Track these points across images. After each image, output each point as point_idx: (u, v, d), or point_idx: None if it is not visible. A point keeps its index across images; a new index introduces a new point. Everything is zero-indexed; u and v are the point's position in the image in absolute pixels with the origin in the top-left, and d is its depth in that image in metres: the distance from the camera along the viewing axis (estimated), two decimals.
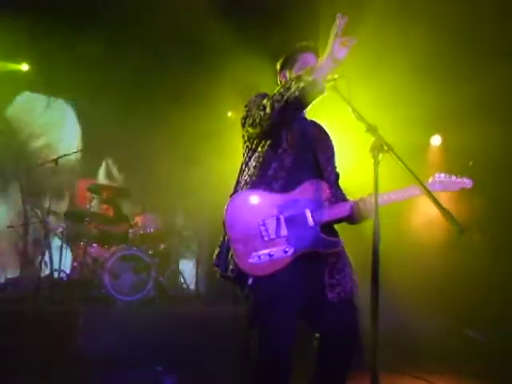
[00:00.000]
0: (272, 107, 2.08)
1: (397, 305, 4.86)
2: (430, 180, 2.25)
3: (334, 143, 2.47)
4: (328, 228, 2.17)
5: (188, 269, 6.82)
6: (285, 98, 2.05)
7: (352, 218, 2.17)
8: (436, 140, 6.16)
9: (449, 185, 2.23)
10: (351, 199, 2.28)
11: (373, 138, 1.93)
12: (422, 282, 5.31)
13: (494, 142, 4.94)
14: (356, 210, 2.14)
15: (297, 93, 2.02)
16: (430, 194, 1.79)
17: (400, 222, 5.45)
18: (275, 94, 2.11)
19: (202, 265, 6.65)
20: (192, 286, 6.52)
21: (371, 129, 1.96)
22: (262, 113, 2.12)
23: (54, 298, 4.88)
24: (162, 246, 5.86)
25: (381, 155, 1.91)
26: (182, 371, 3.75)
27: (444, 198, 2.01)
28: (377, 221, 1.86)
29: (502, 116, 5.07)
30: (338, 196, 2.34)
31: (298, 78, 2.06)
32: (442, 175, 2.24)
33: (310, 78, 2.01)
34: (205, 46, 5.14)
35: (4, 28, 5.02)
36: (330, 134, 2.49)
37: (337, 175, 2.43)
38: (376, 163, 1.90)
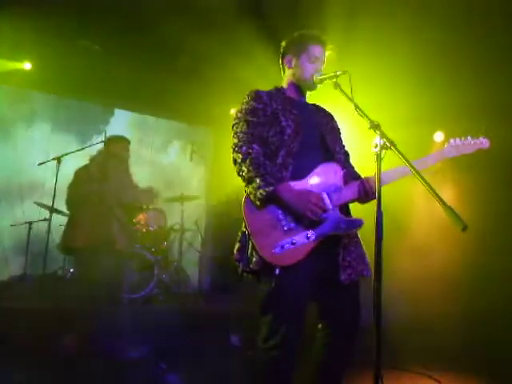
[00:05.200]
0: (242, 176, 2.13)
1: (402, 302, 4.86)
2: (446, 146, 2.25)
3: (338, 124, 2.47)
4: (345, 208, 2.19)
5: (191, 266, 6.83)
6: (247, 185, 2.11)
7: (359, 198, 2.17)
8: (439, 136, 6.14)
9: (464, 148, 2.23)
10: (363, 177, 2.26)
11: (376, 135, 1.94)
12: (426, 279, 5.30)
13: (498, 139, 4.91)
14: (362, 189, 2.14)
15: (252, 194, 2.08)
16: (432, 190, 1.79)
17: (402, 218, 5.44)
18: (239, 168, 2.13)
19: (205, 262, 6.66)
20: (195, 284, 6.53)
21: (374, 125, 1.96)
22: (238, 169, 2.15)
23: (57, 295, 4.89)
24: (164, 244, 5.87)
25: (384, 152, 1.91)
26: (186, 369, 3.76)
27: (446, 195, 2.01)
28: (380, 217, 1.86)
29: (506, 113, 5.04)
30: (351, 175, 2.33)
31: (255, 185, 2.06)
32: (457, 140, 2.23)
33: (259, 196, 2.04)
34: (208, 43, 5.13)
35: (5, 26, 5.02)
36: (333, 115, 2.49)
37: (346, 154, 2.44)
38: (379, 160, 1.91)
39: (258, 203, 2.05)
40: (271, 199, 2.04)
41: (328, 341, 2.17)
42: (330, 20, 4.43)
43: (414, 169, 1.82)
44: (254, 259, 2.06)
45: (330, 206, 2.09)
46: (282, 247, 2.02)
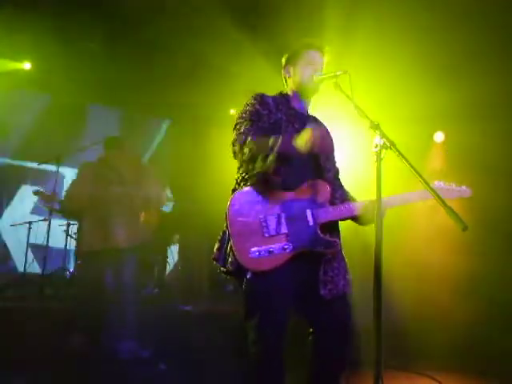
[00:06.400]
0: (245, 160, 2.11)
1: (402, 302, 4.86)
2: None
3: (333, 140, 2.47)
4: (328, 228, 2.17)
5: (190, 266, 6.82)
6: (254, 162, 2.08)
7: (361, 219, 2.18)
8: (439, 137, 6.14)
9: (447, 193, 2.22)
10: (357, 198, 2.28)
11: (375, 135, 1.93)
12: (426, 280, 5.31)
13: (497, 139, 4.91)
14: (348, 215, 2.16)
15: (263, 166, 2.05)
16: (433, 191, 1.79)
17: (402, 220, 5.43)
18: (245, 149, 2.09)
19: (205, 262, 6.65)
20: (195, 284, 6.51)
21: (374, 125, 1.96)
22: (240, 155, 2.13)
23: (57, 295, 4.90)
24: (164, 243, 5.87)
25: (384, 152, 1.91)
26: (186, 369, 3.76)
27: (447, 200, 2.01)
28: (379, 219, 1.86)
29: (506, 113, 5.04)
30: (339, 194, 2.32)
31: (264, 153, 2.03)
32: (442, 183, 2.24)
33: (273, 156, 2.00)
34: (208, 43, 5.13)
35: (5, 26, 5.03)
36: (329, 131, 2.49)
37: (336, 171, 2.43)
38: (379, 160, 1.91)
39: (272, 158, 2.00)
40: (283, 151, 2.00)
41: (316, 347, 2.19)
42: (329, 20, 4.43)
43: (415, 170, 1.82)
44: (230, 260, 2.09)
45: (311, 223, 2.10)
46: (259, 253, 2.03)
